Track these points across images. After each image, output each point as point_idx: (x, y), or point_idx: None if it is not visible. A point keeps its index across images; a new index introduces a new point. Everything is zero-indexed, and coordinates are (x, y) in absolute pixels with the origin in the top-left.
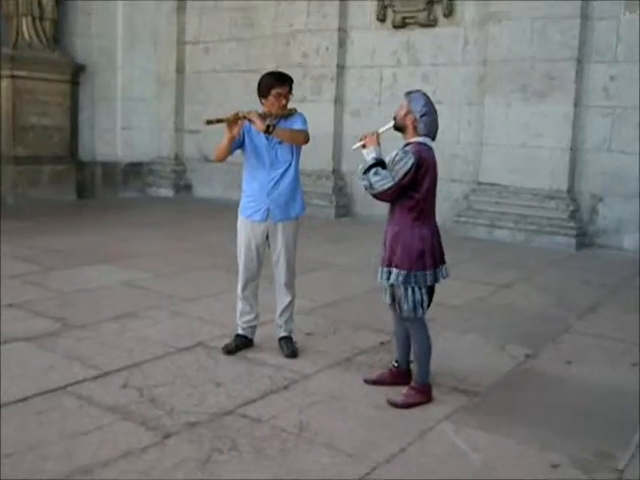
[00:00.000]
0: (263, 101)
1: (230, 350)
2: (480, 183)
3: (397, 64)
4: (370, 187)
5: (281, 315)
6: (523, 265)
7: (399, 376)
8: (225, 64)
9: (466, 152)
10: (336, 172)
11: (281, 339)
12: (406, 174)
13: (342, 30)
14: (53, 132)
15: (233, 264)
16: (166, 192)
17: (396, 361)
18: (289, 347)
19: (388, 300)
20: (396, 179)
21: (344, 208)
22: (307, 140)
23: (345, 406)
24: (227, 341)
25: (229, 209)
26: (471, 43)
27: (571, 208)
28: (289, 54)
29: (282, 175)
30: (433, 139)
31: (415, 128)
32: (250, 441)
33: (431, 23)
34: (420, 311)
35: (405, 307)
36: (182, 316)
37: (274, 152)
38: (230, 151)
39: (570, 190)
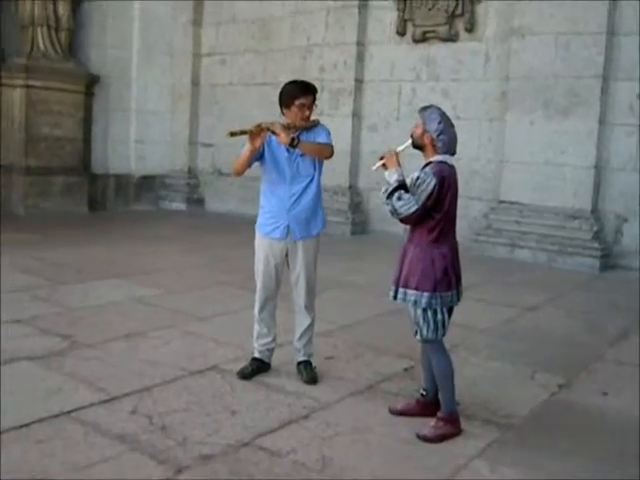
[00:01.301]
0: (285, 111)
1: (246, 375)
2: (501, 201)
3: (416, 79)
4: (395, 212)
5: (300, 338)
6: (547, 287)
7: (427, 406)
8: (241, 77)
9: (485, 169)
10: (353, 188)
11: (300, 363)
12: (429, 196)
13: (360, 44)
14: (65, 143)
15: (247, 281)
16: (178, 205)
17: (423, 390)
18: (308, 372)
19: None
20: (419, 202)
21: (360, 225)
22: (332, 154)
23: (370, 439)
24: (242, 364)
25: (242, 224)
26: (493, 58)
27: (595, 228)
28: (306, 68)
29: (304, 190)
30: (453, 154)
31: (434, 146)
32: (269, 478)
33: (452, 38)
34: (441, 332)
35: (425, 330)
36: (194, 336)
37: (295, 165)
38: (249, 164)
39: (594, 210)
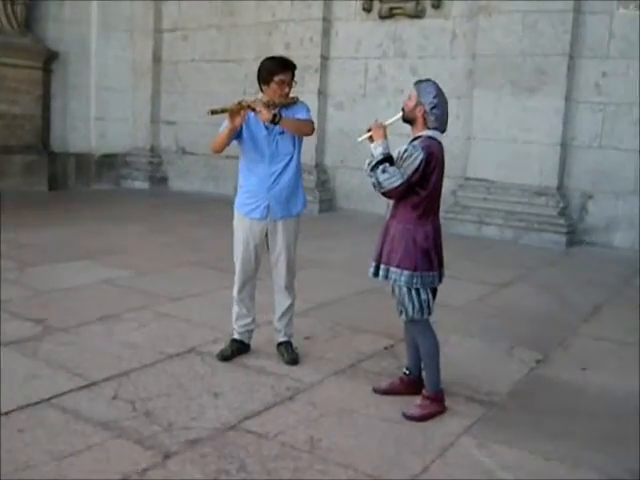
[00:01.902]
0: (264, 88)
1: (226, 356)
2: (468, 178)
3: (383, 56)
4: (378, 185)
5: (280, 319)
6: (517, 263)
7: (410, 385)
8: (204, 53)
9: (453, 147)
10: (319, 166)
11: (280, 344)
12: (415, 171)
13: (326, 20)
14: (24, 121)
15: (217, 261)
16: (141, 184)
17: (407, 368)
18: (289, 353)
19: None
20: (405, 176)
21: (327, 203)
22: (313, 130)
23: (356, 419)
24: (221, 346)
25: (207, 202)
26: (460, 36)
27: (561, 205)
28: (271, 44)
29: (284, 168)
30: (443, 132)
31: (425, 120)
32: (259, 460)
33: (419, 14)
34: (427, 312)
35: (410, 309)
36: (169, 318)
37: (275, 144)
38: (228, 142)
39: (560, 187)
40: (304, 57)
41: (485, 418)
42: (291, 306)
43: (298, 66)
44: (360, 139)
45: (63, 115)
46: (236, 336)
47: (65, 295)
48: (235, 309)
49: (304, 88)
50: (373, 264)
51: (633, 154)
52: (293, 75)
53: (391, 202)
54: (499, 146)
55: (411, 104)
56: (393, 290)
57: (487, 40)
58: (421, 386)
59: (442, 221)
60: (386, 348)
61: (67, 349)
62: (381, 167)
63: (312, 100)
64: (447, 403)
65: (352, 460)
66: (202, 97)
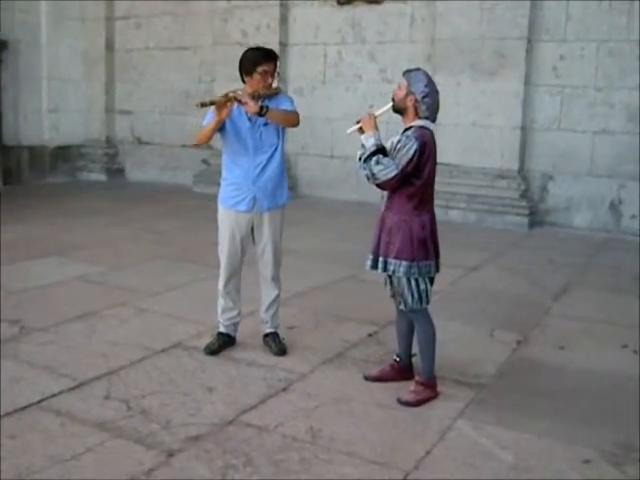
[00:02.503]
0: (246, 79)
1: (213, 350)
2: None
3: (342, 41)
4: (373, 177)
5: (267, 310)
6: (483, 246)
7: (401, 371)
8: (158, 41)
9: None
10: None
11: (267, 335)
12: (410, 161)
13: (283, 6)
14: None
15: (185, 253)
16: (97, 176)
17: (397, 355)
18: (277, 344)
19: (390, 292)
20: (399, 167)
21: (289, 190)
22: (299, 122)
23: (352, 407)
24: (206, 340)
25: (166, 193)
26: (418, 20)
27: (522, 187)
28: (227, 31)
29: (268, 160)
30: (434, 121)
31: (416, 110)
32: (264, 453)
33: (377, 0)
34: (425, 302)
35: (410, 299)
36: (150, 313)
37: (258, 135)
38: (213, 135)
39: (521, 169)
40: (262, 44)
41: (476, 400)
42: (277, 297)
43: None
44: (349, 131)
45: (15, 107)
46: (222, 329)
47: (39, 293)
48: (221, 302)
49: None
50: (370, 257)
51: (589, 136)
52: (276, 66)
53: (385, 193)
54: (460, 130)
55: (401, 93)
56: (390, 281)
57: (446, 24)
58: (411, 372)
59: None
60: (370, 335)
61: (48, 349)
62: (375, 158)
63: None
64: (438, 387)
65: (355, 448)
66: (157, 85)
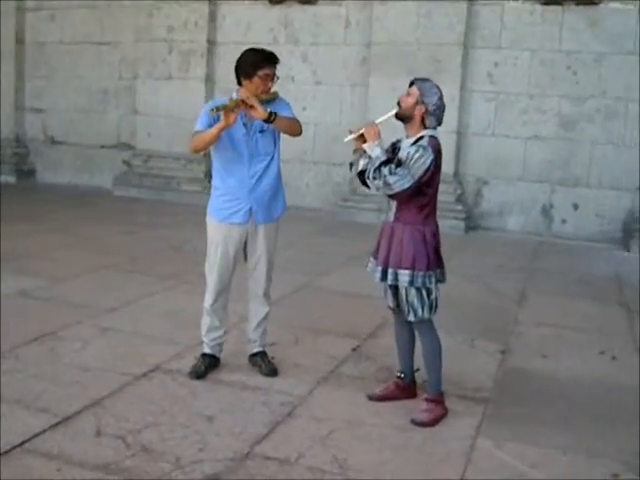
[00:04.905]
0: (245, 82)
1: (200, 374)
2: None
3: (274, 42)
4: (387, 187)
5: (256, 329)
6: None
7: (405, 389)
8: (75, 35)
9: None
10: (209, 156)
11: (255, 355)
12: (426, 172)
13: (212, 3)
14: None
15: (131, 263)
16: (6, 178)
17: (401, 372)
18: (267, 364)
19: (392, 304)
20: (415, 177)
21: None
22: (302, 131)
23: (367, 432)
24: (186, 361)
25: (85, 196)
26: (353, 23)
27: (458, 191)
28: (153, 26)
29: (264, 170)
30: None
31: (422, 120)
32: None
33: (311, 0)
34: (434, 311)
35: (420, 310)
36: (113, 332)
37: (254, 143)
38: (215, 142)
39: (456, 173)
40: (189, 41)
41: (487, 416)
42: (267, 315)
43: (182, 50)
44: (347, 139)
45: None
46: (207, 350)
47: None
48: (206, 321)
49: (189, 74)
50: (379, 268)
51: (522, 142)
52: (276, 69)
53: (393, 204)
54: (397, 134)
55: (410, 101)
56: (394, 292)
57: (382, 28)
58: (414, 388)
59: (339, 209)
60: (354, 349)
61: (14, 378)
62: (386, 168)
63: (198, 87)
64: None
65: (389, 477)
66: (73, 82)
